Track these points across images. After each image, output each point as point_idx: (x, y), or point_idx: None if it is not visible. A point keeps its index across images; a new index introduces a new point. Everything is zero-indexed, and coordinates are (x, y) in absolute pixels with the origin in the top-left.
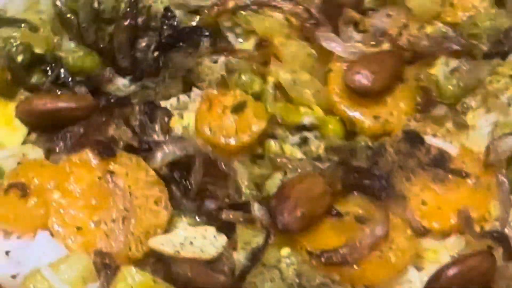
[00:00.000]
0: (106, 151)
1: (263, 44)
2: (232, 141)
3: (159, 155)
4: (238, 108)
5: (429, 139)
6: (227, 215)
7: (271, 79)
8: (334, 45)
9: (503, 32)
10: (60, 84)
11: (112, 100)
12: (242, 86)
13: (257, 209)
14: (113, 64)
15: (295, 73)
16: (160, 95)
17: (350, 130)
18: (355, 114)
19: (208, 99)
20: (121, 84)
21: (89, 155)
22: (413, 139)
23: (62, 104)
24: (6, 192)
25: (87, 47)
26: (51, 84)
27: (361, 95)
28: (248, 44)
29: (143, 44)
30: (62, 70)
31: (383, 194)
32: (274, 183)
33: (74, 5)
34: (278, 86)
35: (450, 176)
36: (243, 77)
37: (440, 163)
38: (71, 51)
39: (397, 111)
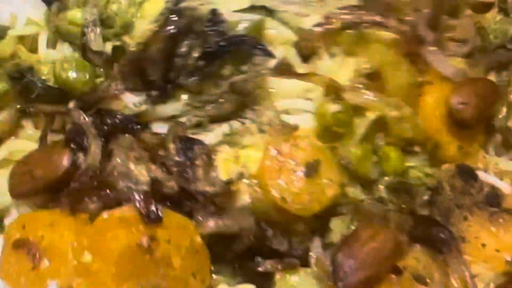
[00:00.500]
0: (153, 216)
1: (375, 76)
2: (303, 211)
3: (211, 225)
4: (311, 171)
5: (481, 175)
6: (265, 266)
7: (370, 115)
8: (440, 63)
9: (509, 38)
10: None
11: (119, 122)
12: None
13: (316, 247)
14: (140, 76)
15: (400, 109)
16: (208, 118)
17: (432, 152)
18: (446, 140)
19: (279, 155)
20: (130, 101)
21: (131, 213)
22: (467, 174)
23: (39, 179)
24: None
25: (83, 57)
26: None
27: (460, 124)
28: (346, 68)
29: (184, 49)
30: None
31: (445, 249)
32: (337, 228)
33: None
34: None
35: (505, 216)
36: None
37: (493, 201)
38: (59, 60)
39: (478, 143)
